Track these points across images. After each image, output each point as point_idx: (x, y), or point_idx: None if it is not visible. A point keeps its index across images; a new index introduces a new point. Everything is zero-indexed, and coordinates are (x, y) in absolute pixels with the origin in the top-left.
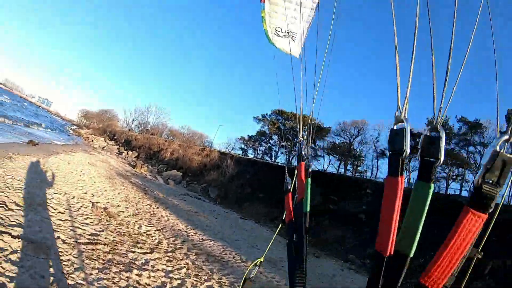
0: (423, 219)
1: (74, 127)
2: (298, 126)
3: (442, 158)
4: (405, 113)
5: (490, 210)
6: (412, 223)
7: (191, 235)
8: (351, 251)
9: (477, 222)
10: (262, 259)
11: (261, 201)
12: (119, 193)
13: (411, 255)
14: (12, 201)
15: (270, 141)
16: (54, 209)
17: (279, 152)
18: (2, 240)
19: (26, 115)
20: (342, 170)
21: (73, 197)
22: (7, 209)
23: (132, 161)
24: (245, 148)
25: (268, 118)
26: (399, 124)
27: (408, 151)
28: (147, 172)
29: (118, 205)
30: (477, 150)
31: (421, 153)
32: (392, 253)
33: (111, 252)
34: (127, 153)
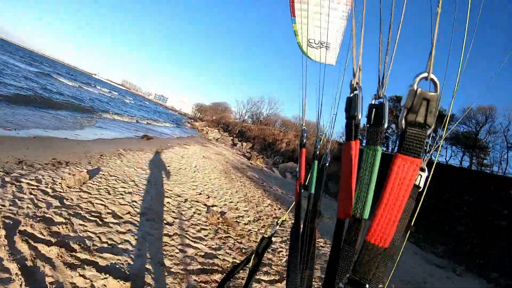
0: (373, 181)
1: (190, 120)
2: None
3: (385, 124)
4: (358, 81)
5: (423, 155)
6: (363, 187)
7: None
8: (494, 267)
9: (410, 168)
10: (284, 217)
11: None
12: (236, 191)
13: (365, 217)
14: (110, 211)
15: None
16: (162, 219)
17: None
18: (84, 276)
19: (147, 112)
20: (465, 163)
21: (185, 200)
22: (100, 223)
23: (247, 152)
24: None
25: None
26: (354, 92)
27: (360, 116)
28: (262, 164)
29: (237, 208)
30: None
31: (367, 121)
32: (350, 217)
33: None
34: (241, 144)
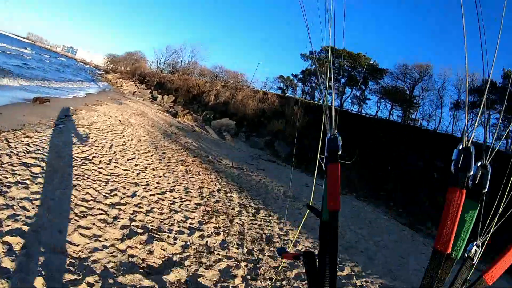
0: (469, 231)
1: (101, 72)
2: (325, 117)
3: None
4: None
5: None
6: (464, 232)
7: None
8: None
9: (458, 196)
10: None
11: (355, 166)
12: (184, 188)
13: (458, 258)
14: None
15: (316, 80)
16: None
17: (325, 94)
18: None
19: (48, 69)
20: (394, 117)
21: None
22: None
23: (170, 107)
24: (284, 87)
25: (317, 56)
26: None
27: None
28: (191, 121)
29: (211, 250)
30: None
31: (473, 179)
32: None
33: None
34: (162, 98)
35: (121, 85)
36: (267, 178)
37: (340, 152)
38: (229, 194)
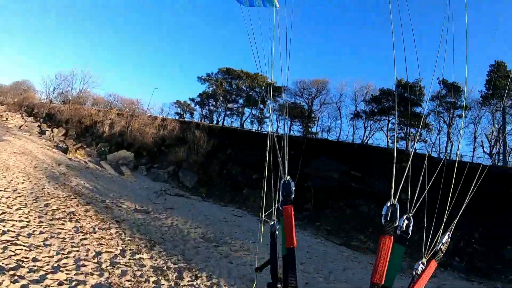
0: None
1: None
2: (277, 146)
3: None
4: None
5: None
6: (394, 268)
7: None
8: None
9: (387, 242)
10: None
11: (261, 186)
12: (70, 253)
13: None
14: None
15: (214, 103)
16: None
17: (224, 116)
18: None
19: None
20: (294, 132)
21: None
22: None
23: (60, 141)
24: (181, 112)
25: (214, 77)
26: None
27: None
28: (84, 157)
29: None
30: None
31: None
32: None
33: None
34: (52, 131)
35: (6, 118)
36: (179, 218)
37: (293, 196)
38: (137, 256)
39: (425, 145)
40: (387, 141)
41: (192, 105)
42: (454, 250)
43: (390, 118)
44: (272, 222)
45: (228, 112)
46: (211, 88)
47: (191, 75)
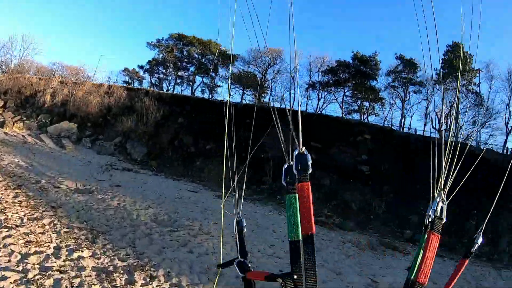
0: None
1: None
2: (292, 126)
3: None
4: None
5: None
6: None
7: None
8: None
9: (436, 241)
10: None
11: (215, 157)
12: None
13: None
14: None
15: (164, 70)
16: None
17: (174, 84)
18: None
19: None
20: (246, 101)
21: None
22: None
23: None
24: (129, 81)
25: (165, 44)
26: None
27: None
28: (23, 130)
29: None
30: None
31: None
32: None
33: None
34: None
35: None
36: (127, 198)
37: (310, 171)
38: (76, 255)
39: (377, 118)
40: (342, 113)
41: (141, 72)
42: (419, 225)
43: (345, 90)
44: (239, 219)
45: (178, 80)
46: (161, 55)
47: (141, 41)
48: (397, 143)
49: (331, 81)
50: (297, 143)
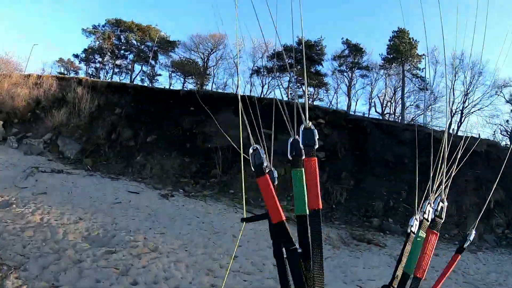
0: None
1: None
2: (297, 105)
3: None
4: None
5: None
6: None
7: None
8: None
9: (434, 239)
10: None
11: (157, 150)
12: None
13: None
14: None
15: (101, 59)
16: None
17: (112, 73)
18: None
19: None
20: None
21: None
22: None
23: None
24: (65, 72)
25: (102, 30)
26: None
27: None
28: None
29: None
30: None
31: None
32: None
33: None
34: None
35: None
36: (53, 209)
37: (317, 146)
38: None
39: (322, 104)
40: (288, 98)
41: (77, 62)
42: (385, 212)
43: (291, 76)
44: (255, 148)
45: (116, 70)
46: (97, 42)
47: (77, 28)
48: (352, 127)
49: (276, 66)
50: (303, 118)
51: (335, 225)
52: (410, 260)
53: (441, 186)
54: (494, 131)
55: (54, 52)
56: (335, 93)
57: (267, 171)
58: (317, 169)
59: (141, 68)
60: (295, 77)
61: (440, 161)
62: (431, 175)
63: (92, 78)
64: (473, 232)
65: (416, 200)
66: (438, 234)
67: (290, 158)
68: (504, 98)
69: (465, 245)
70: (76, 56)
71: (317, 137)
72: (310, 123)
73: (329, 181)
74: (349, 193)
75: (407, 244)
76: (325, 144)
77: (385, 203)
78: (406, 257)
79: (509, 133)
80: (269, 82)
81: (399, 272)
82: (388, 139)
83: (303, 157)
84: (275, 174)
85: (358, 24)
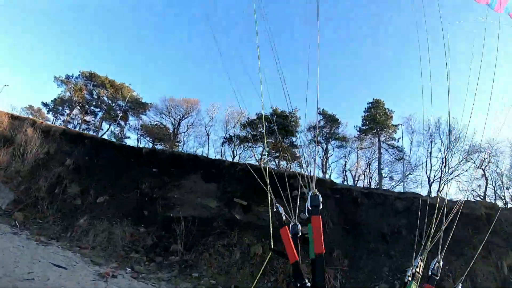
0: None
1: None
2: (307, 178)
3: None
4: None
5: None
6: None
7: None
8: None
9: None
10: None
11: (107, 214)
12: None
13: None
14: None
15: (69, 112)
16: None
17: (79, 129)
18: None
19: None
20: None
21: None
22: None
23: None
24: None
25: (74, 81)
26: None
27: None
28: None
29: None
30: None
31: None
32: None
33: None
34: None
35: None
36: None
37: (321, 208)
38: None
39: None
40: (262, 169)
41: (45, 111)
42: None
43: (265, 146)
44: (277, 206)
45: (84, 126)
46: (68, 93)
47: (50, 74)
48: (339, 197)
49: (249, 135)
50: (310, 186)
51: None
52: None
53: (438, 247)
54: (467, 197)
55: (25, 96)
56: (307, 167)
57: (287, 223)
58: (321, 224)
59: (109, 126)
60: (267, 149)
61: (435, 221)
62: (424, 235)
63: (47, 122)
64: (460, 285)
65: (414, 258)
66: None
67: (306, 215)
68: (475, 164)
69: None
70: (45, 104)
71: (321, 200)
72: (316, 190)
73: None
74: (345, 275)
75: None
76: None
77: (391, 286)
78: None
79: (481, 198)
80: (240, 153)
81: None
82: (382, 210)
83: (310, 216)
84: (299, 227)
85: (334, 96)
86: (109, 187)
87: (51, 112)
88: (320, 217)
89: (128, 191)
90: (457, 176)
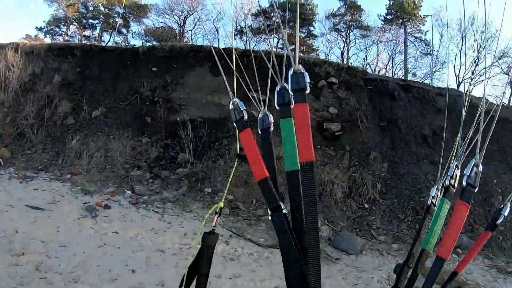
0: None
1: None
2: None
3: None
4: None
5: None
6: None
7: None
8: None
9: (465, 212)
10: (222, 204)
11: (108, 127)
12: None
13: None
14: None
15: (66, 31)
16: None
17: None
18: None
19: None
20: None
21: None
22: None
23: None
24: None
25: None
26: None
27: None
28: None
29: None
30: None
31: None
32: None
33: None
34: None
35: None
36: None
37: (308, 91)
38: None
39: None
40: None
41: (41, 36)
42: None
43: (279, 36)
44: (235, 102)
45: (85, 42)
46: (60, 10)
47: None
48: (373, 89)
49: (262, 26)
50: (292, 61)
51: (377, 241)
52: (429, 236)
53: (476, 149)
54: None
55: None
56: (326, 56)
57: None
58: (309, 117)
59: (110, 37)
60: (286, 30)
61: (476, 122)
62: (458, 137)
63: (31, 42)
64: (508, 206)
65: (440, 166)
66: (470, 206)
67: (278, 107)
68: (501, 69)
69: (498, 222)
70: (39, 29)
71: (308, 80)
72: (300, 66)
73: (352, 166)
74: (384, 183)
75: (427, 218)
76: (339, 111)
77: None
78: (425, 233)
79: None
80: (255, 44)
81: (416, 250)
82: (421, 107)
83: (292, 105)
84: (271, 119)
85: None
86: (105, 98)
87: (48, 35)
88: (307, 105)
89: (126, 99)
90: (488, 78)
